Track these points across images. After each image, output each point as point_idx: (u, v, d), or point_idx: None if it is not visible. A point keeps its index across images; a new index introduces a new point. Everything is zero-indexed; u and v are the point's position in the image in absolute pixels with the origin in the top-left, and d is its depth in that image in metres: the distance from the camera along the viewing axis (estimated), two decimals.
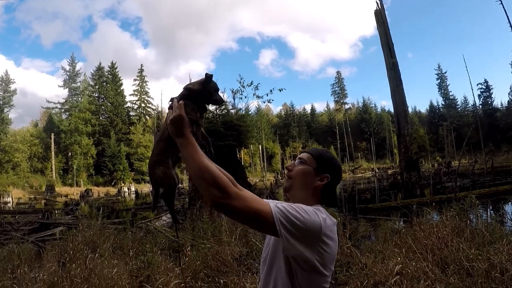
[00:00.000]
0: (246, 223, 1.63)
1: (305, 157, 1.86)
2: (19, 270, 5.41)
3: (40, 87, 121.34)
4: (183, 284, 4.95)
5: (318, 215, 1.59)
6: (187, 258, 6.14)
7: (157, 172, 1.83)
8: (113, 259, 5.92)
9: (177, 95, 1.80)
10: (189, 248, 6.66)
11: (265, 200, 1.61)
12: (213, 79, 1.85)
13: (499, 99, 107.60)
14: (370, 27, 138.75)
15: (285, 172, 1.94)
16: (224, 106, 17.02)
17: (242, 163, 31.27)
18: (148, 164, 1.93)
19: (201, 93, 1.82)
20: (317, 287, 1.62)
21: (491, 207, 12.50)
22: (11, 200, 36.76)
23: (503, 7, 26.30)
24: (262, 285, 1.75)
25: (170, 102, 1.75)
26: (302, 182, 1.83)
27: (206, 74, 1.83)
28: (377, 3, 22.06)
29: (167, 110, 1.75)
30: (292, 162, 1.92)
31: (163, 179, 1.84)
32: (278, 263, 1.66)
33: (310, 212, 1.58)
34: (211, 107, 17.03)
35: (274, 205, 1.55)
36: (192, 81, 1.92)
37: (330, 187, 1.83)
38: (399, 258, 4.86)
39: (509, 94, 75.47)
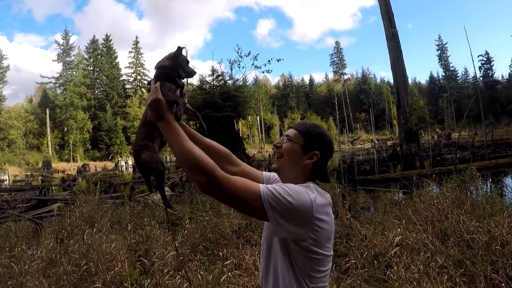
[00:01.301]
0: (235, 207, 1.61)
1: (292, 134, 1.78)
2: (16, 248, 5.38)
3: (34, 62, 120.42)
4: (181, 258, 4.93)
5: (308, 194, 1.53)
6: (185, 231, 6.13)
7: (144, 158, 1.79)
8: (111, 234, 5.90)
9: (154, 76, 1.75)
10: (187, 221, 6.65)
11: (258, 184, 1.54)
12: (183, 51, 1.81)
13: (500, 72, 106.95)
14: None
15: (273, 150, 1.86)
16: (221, 77, 16.90)
17: (240, 135, 31.29)
18: (133, 150, 1.90)
19: (173, 67, 1.76)
20: (315, 266, 1.59)
21: (491, 180, 12.50)
22: (7, 178, 36.67)
23: None
24: (264, 265, 1.73)
25: (148, 86, 1.72)
26: (291, 161, 1.76)
27: (178, 47, 1.78)
28: None
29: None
30: (280, 138, 1.83)
31: (151, 165, 1.81)
32: (275, 245, 1.64)
33: (300, 191, 1.53)
34: (208, 78, 16.94)
35: (264, 187, 1.51)
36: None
37: (321, 164, 1.77)
38: (399, 230, 4.85)
39: (510, 66, 75.33)
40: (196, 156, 1.50)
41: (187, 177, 14.22)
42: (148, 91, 1.69)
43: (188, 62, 1.85)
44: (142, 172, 1.87)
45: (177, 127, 1.63)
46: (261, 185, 1.53)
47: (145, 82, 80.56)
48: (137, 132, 1.89)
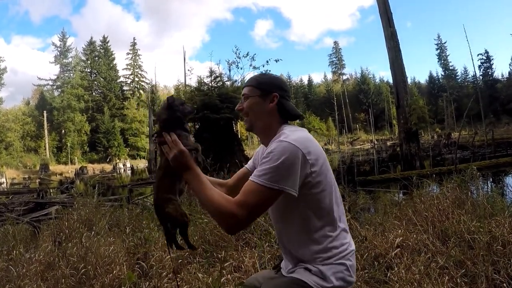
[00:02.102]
0: (265, 211, 1.73)
1: (247, 91, 1.89)
2: (14, 251, 5.34)
3: (31, 64, 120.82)
4: (180, 260, 4.91)
5: (284, 148, 1.63)
6: None
7: (169, 212, 1.81)
8: (109, 236, 5.86)
9: (156, 130, 1.85)
10: None
11: (251, 181, 1.64)
12: (173, 100, 1.85)
13: (500, 70, 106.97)
14: None
15: (240, 115, 1.96)
16: (219, 78, 16.88)
17: (239, 136, 31.31)
18: (154, 202, 1.92)
19: (174, 116, 1.83)
20: (318, 204, 1.73)
21: (491, 179, 12.48)
22: (5, 181, 36.52)
23: None
24: (277, 227, 1.92)
25: (157, 139, 1.82)
26: (256, 114, 1.88)
27: (167, 98, 1.85)
28: None
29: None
30: (240, 102, 1.93)
31: (177, 218, 1.84)
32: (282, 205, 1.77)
33: (283, 149, 1.63)
34: (206, 79, 16.91)
35: (256, 178, 1.62)
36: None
37: (284, 103, 1.86)
38: (399, 231, 4.83)
39: (510, 65, 75.42)
40: (215, 203, 1.62)
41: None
42: (160, 144, 1.79)
43: (183, 103, 1.89)
44: (165, 223, 1.91)
45: (201, 174, 1.74)
46: (253, 179, 1.63)
47: (143, 83, 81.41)
48: (158, 184, 1.90)
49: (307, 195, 1.70)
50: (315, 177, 1.69)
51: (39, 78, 73.19)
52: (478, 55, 74.98)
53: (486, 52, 76.20)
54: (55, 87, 73.00)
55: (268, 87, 1.86)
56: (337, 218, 1.79)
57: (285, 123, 1.87)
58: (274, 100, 1.84)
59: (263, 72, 2.15)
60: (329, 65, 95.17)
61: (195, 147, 1.82)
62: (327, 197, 1.74)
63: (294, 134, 1.71)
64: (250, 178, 1.66)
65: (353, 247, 1.83)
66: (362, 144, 63.06)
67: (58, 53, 72.86)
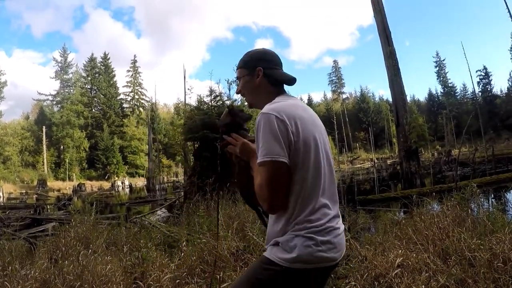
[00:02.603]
0: (279, 186, 1.73)
1: (238, 73, 2.05)
2: (10, 267, 5.30)
3: (32, 78, 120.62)
4: (178, 280, 4.85)
5: (260, 120, 1.74)
6: (182, 253, 6.03)
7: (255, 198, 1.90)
8: (106, 255, 5.81)
9: (220, 135, 2.11)
10: (184, 243, 6.55)
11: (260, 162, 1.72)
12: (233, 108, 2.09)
13: (499, 86, 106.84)
14: (367, 16, 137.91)
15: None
16: (219, 97, 16.88)
17: None
18: (242, 195, 2.31)
19: (235, 120, 2.06)
20: (298, 165, 1.76)
21: (492, 196, 12.40)
22: (1, 195, 36.45)
23: None
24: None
25: (221, 143, 2.10)
26: (250, 91, 2.02)
27: (228, 106, 2.10)
28: None
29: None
30: (237, 84, 2.10)
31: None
32: None
33: (258, 127, 1.74)
34: (206, 99, 16.93)
35: (262, 158, 1.70)
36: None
37: (270, 73, 1.96)
38: (399, 250, 4.78)
39: (508, 80, 75.00)
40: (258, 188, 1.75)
41: (185, 198, 14.14)
42: (223, 147, 2.08)
43: (241, 111, 2.11)
44: (256, 209, 2.19)
45: None
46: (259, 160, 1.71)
47: (143, 101, 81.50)
48: (237, 180, 2.16)
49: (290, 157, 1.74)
50: (296, 139, 1.74)
51: (39, 93, 72.96)
52: (476, 71, 75.09)
53: (485, 68, 76.24)
54: (55, 102, 72.67)
55: (252, 64, 1.98)
56: (320, 191, 1.79)
57: (282, 92, 1.98)
58: (259, 74, 1.94)
59: (247, 52, 2.15)
60: (328, 84, 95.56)
61: (253, 138, 1.92)
62: (307, 161, 1.76)
63: (277, 103, 1.82)
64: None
65: (334, 225, 1.82)
66: (362, 163, 62.82)
67: (59, 69, 72.73)
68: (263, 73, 1.94)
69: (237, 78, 2.06)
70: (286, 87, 2.03)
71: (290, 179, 1.73)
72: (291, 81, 2.00)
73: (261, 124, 1.72)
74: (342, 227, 1.90)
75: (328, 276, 1.99)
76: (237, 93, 2.09)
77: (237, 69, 2.05)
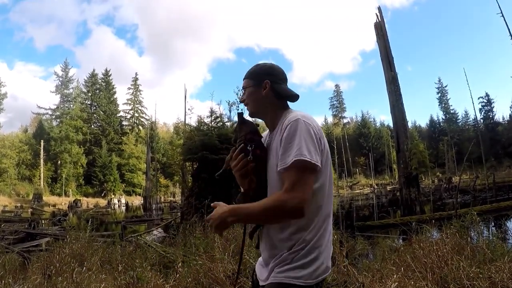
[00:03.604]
0: (307, 188, 1.75)
1: (244, 84, 2.08)
2: (3, 281, 5.25)
3: (32, 92, 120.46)
4: None
5: (298, 125, 1.80)
6: (177, 275, 5.96)
7: None
8: (101, 273, 5.76)
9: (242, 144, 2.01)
10: (180, 264, 6.47)
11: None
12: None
13: (501, 113, 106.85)
14: (369, 41, 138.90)
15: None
16: (219, 118, 16.89)
17: None
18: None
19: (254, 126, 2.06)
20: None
21: (492, 224, 12.32)
22: None
23: (504, 19, 26.46)
24: None
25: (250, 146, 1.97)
26: (255, 102, 2.04)
27: (239, 113, 2.07)
28: (377, 15, 22.20)
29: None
30: (242, 94, 2.13)
31: None
32: None
33: (305, 135, 1.79)
34: (206, 119, 16.95)
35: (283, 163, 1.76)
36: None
37: (276, 87, 2.01)
38: (397, 277, 4.70)
39: (511, 108, 75.18)
40: (290, 187, 1.74)
41: (181, 219, 14.04)
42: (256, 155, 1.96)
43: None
44: None
45: None
46: (282, 167, 1.76)
47: (142, 119, 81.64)
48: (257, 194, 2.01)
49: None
50: (323, 149, 1.85)
51: (39, 107, 72.82)
52: (478, 98, 74.79)
53: (487, 95, 75.92)
54: (54, 116, 72.49)
55: (260, 76, 2.02)
56: (331, 203, 1.94)
57: (287, 106, 2.05)
58: (267, 86, 1.99)
59: (256, 64, 2.20)
60: (329, 108, 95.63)
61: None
62: (327, 173, 1.88)
63: (303, 112, 1.90)
64: (281, 167, 1.76)
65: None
66: (362, 189, 62.43)
67: (60, 83, 72.94)
68: (270, 86, 1.99)
69: (243, 88, 2.09)
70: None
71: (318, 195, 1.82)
72: (294, 97, 2.06)
73: (297, 128, 1.77)
74: None
75: None
76: (241, 101, 2.12)
77: (244, 79, 2.09)
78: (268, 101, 2.01)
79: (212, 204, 1.91)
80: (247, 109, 2.11)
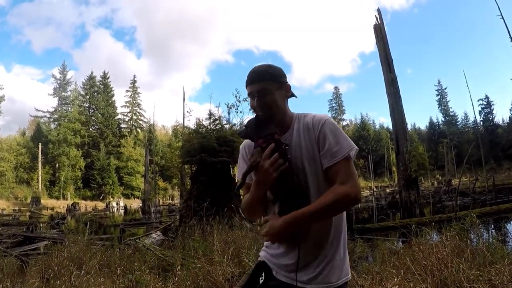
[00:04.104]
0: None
1: (268, 86, 1.91)
2: (1, 285, 5.23)
3: (30, 94, 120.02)
4: None
5: (330, 119, 1.92)
6: (176, 278, 5.94)
7: None
8: (99, 276, 5.74)
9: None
10: (179, 267, 6.45)
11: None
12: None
13: (501, 115, 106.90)
14: (369, 43, 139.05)
15: (259, 108, 1.94)
16: (218, 121, 16.87)
17: (236, 180, 31.23)
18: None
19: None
20: None
21: (492, 226, 12.29)
22: None
23: (504, 21, 26.39)
24: None
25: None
26: (279, 106, 1.94)
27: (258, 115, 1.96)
28: (376, 18, 22.15)
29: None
30: (256, 98, 1.93)
31: None
32: None
33: (332, 125, 1.89)
34: (205, 122, 16.93)
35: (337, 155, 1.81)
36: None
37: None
38: (397, 280, 4.69)
39: (510, 110, 75.15)
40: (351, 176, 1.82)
41: (180, 222, 14.00)
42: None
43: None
44: None
45: None
46: (339, 158, 1.80)
47: (141, 122, 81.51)
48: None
49: None
50: None
51: (37, 109, 72.81)
52: (478, 100, 74.58)
53: (487, 97, 75.88)
54: (52, 119, 72.58)
55: (280, 78, 1.96)
56: None
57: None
58: (289, 90, 1.99)
59: (267, 64, 2.09)
60: (329, 111, 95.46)
61: None
62: None
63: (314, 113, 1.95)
64: (333, 161, 1.79)
65: None
66: (361, 191, 62.33)
67: (58, 86, 72.92)
68: (289, 87, 2.00)
69: (263, 90, 1.91)
70: None
71: None
72: (294, 95, 2.06)
73: (335, 124, 1.87)
74: None
75: None
76: (263, 106, 1.91)
77: (261, 81, 1.92)
78: (285, 104, 2.00)
79: (264, 218, 1.87)
80: (266, 112, 1.93)
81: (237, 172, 2.05)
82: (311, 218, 1.73)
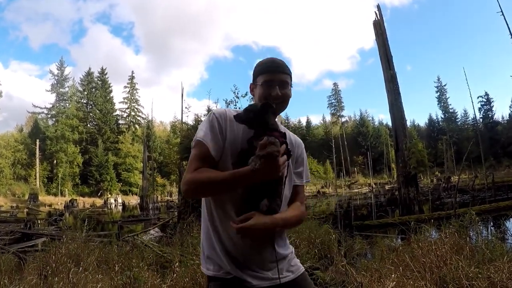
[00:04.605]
0: None
1: (288, 79, 1.95)
2: None
3: (27, 91, 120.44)
4: None
5: None
6: (175, 275, 5.92)
7: None
8: (97, 273, 5.72)
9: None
10: (177, 264, 6.43)
11: None
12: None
13: (500, 112, 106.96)
14: (368, 40, 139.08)
15: (276, 98, 1.88)
16: None
17: None
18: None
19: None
20: None
21: (491, 224, 12.30)
22: None
23: (504, 18, 26.30)
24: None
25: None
26: (288, 100, 1.97)
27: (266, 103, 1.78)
28: (376, 14, 22.10)
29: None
30: (278, 87, 1.89)
31: None
32: None
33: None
34: (203, 118, 16.88)
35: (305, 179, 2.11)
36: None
37: None
38: (395, 277, 4.68)
39: (510, 107, 75.53)
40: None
41: (179, 218, 13.98)
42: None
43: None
44: None
45: None
46: (303, 182, 2.08)
47: (139, 118, 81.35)
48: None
49: None
50: None
51: (34, 106, 72.80)
52: (478, 97, 75.03)
53: (486, 94, 76.18)
54: (49, 116, 72.45)
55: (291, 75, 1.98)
56: None
57: None
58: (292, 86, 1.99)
59: (273, 59, 2.04)
60: (328, 107, 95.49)
61: None
62: None
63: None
64: (302, 182, 2.03)
65: None
66: (360, 188, 62.20)
67: (55, 82, 72.91)
68: None
69: (285, 82, 1.92)
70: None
71: None
72: None
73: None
74: None
75: None
76: (284, 97, 1.91)
77: (285, 73, 1.93)
78: None
79: (247, 214, 1.65)
80: (281, 107, 1.93)
81: (197, 132, 1.80)
82: (285, 225, 1.84)
